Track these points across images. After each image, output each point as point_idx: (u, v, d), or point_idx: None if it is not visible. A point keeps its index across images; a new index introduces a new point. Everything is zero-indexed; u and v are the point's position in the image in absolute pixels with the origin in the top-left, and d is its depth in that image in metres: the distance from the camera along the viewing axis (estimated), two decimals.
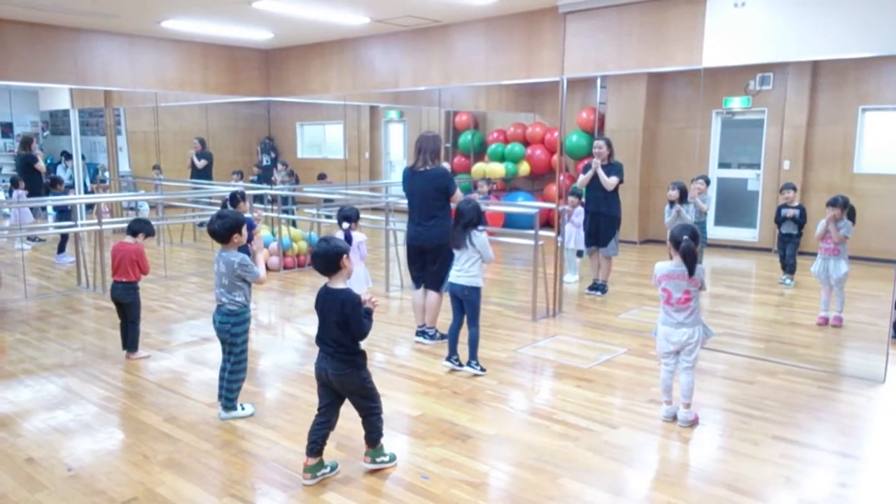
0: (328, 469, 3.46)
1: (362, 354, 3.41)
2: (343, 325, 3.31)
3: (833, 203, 5.99)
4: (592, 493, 3.30)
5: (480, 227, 4.94)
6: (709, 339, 4.15)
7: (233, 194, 6.71)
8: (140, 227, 5.34)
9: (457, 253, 4.96)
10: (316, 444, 3.41)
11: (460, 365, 5.01)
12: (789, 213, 7.31)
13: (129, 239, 5.28)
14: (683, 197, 7.14)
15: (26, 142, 10.29)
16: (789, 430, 4.02)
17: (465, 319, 5.01)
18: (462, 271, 4.94)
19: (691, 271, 3.91)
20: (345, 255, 3.40)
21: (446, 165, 5.94)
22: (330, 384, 3.40)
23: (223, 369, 4.17)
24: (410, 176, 5.57)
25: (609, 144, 7.22)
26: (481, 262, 4.94)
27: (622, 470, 3.56)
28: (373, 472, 3.49)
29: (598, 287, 7.48)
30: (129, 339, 5.31)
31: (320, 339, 3.41)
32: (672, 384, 4.14)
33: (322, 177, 11.28)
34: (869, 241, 6.43)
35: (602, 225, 7.30)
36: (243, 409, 4.21)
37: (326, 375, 3.38)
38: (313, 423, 3.45)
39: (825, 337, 6.07)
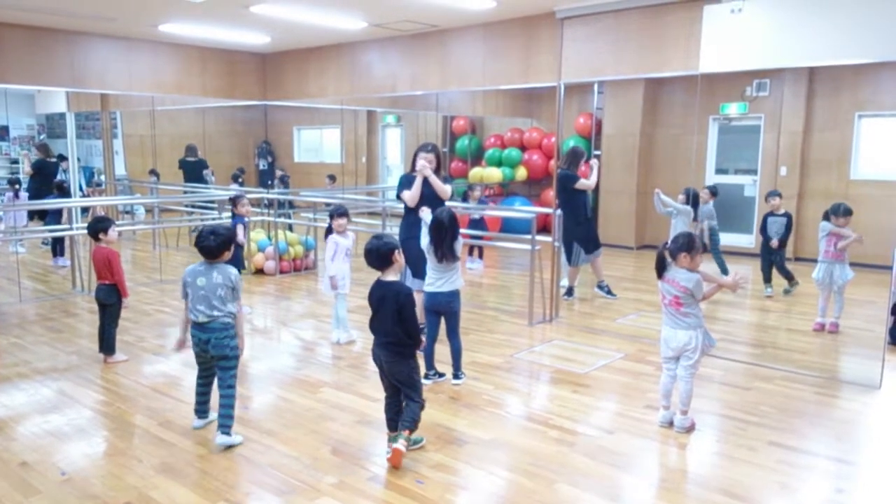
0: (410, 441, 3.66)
1: (411, 346, 3.63)
2: (397, 314, 3.54)
3: (846, 213, 6.01)
4: (588, 499, 3.29)
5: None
6: (711, 347, 4.13)
7: (232, 197, 6.83)
8: (95, 228, 5.31)
9: (439, 265, 4.76)
10: (392, 421, 3.70)
11: (441, 376, 4.92)
12: (774, 242, 7.29)
13: (103, 243, 5.30)
14: (694, 203, 7.27)
15: (43, 147, 10.35)
16: (786, 436, 4.02)
17: (446, 332, 4.88)
18: (443, 280, 4.78)
19: (658, 274, 4.05)
20: (397, 251, 3.64)
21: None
22: (383, 370, 3.67)
23: (205, 384, 4.02)
24: (408, 178, 5.62)
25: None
26: (459, 268, 4.86)
27: (618, 475, 3.55)
28: (371, 476, 3.48)
29: (603, 288, 7.58)
30: (105, 342, 5.29)
31: (374, 329, 3.67)
32: (672, 389, 4.13)
33: (332, 178, 11.30)
34: (865, 247, 6.42)
35: (594, 230, 7.51)
36: (236, 436, 3.94)
37: (381, 362, 3.66)
38: (385, 402, 3.76)
39: (822, 343, 6.07)
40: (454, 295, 4.83)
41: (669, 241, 4.07)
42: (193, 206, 10.93)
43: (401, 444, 3.54)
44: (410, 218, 5.51)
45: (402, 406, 3.71)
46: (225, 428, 3.84)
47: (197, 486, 3.40)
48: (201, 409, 4.10)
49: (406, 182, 5.57)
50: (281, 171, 11.83)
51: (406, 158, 12.74)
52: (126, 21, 7.39)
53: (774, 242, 7.27)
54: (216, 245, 3.91)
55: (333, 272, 5.83)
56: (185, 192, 10.88)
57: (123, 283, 5.29)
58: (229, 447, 3.82)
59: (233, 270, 3.97)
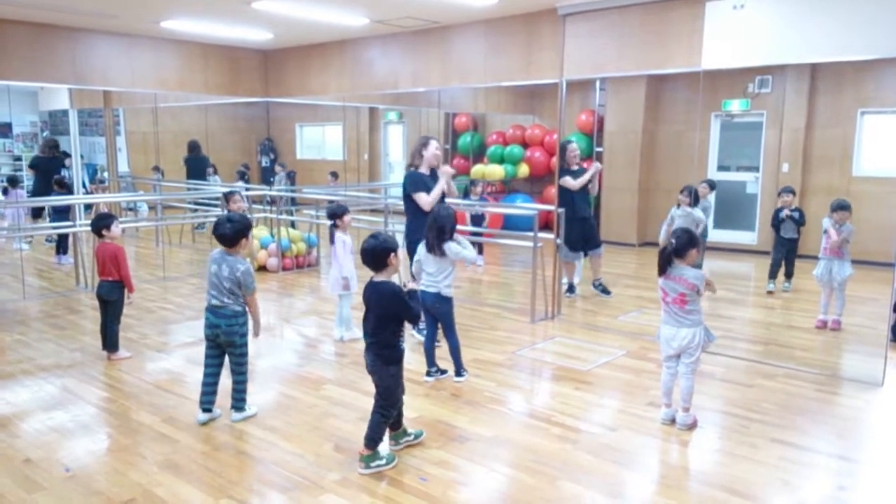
0: (411, 437, 3.78)
1: (395, 350, 3.56)
2: (384, 317, 3.49)
3: (844, 207, 6.01)
4: (590, 496, 3.30)
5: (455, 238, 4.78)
6: (711, 343, 4.14)
7: (224, 193, 6.78)
8: (99, 225, 5.33)
9: (430, 258, 4.79)
10: (395, 422, 3.69)
11: (443, 372, 4.93)
12: (786, 212, 7.30)
13: (106, 239, 5.32)
14: (696, 200, 7.26)
15: (51, 145, 10.34)
16: (787, 433, 4.02)
17: (442, 331, 4.91)
18: (435, 281, 4.79)
19: (660, 271, 4.02)
20: (393, 253, 3.55)
21: (424, 165, 5.62)
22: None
23: (213, 374, 4.12)
24: (421, 177, 5.62)
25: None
26: (454, 272, 4.84)
27: (620, 472, 3.56)
28: (375, 472, 3.49)
29: (598, 286, 7.53)
30: (109, 339, 5.30)
31: (364, 332, 3.61)
32: (672, 387, 4.14)
33: (335, 175, 11.32)
34: (867, 244, 6.43)
35: (592, 228, 7.45)
36: (250, 408, 4.22)
37: (367, 366, 3.60)
38: None
39: (824, 340, 6.07)
40: (439, 298, 4.80)
41: (670, 239, 4.06)
42: (197, 203, 10.94)
43: (361, 468, 3.49)
44: (420, 219, 5.40)
45: (401, 407, 3.70)
46: (238, 406, 4.14)
47: (201, 482, 3.41)
48: (207, 402, 4.12)
49: (420, 182, 5.45)
50: (281, 166, 11.81)
51: (408, 155, 12.75)
52: (128, 18, 7.39)
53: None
54: (232, 233, 4.00)
55: (347, 272, 5.77)
56: (189, 189, 10.90)
57: (129, 279, 5.30)
58: (246, 419, 4.13)
59: (241, 265, 4.00)
